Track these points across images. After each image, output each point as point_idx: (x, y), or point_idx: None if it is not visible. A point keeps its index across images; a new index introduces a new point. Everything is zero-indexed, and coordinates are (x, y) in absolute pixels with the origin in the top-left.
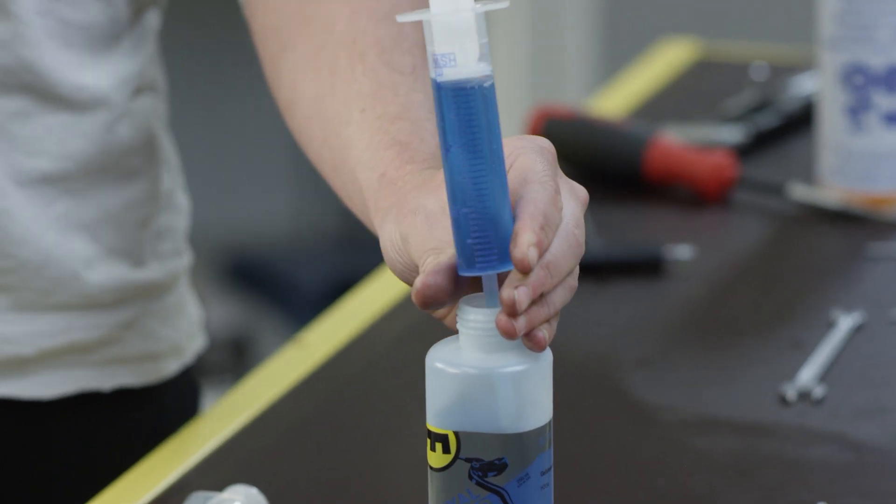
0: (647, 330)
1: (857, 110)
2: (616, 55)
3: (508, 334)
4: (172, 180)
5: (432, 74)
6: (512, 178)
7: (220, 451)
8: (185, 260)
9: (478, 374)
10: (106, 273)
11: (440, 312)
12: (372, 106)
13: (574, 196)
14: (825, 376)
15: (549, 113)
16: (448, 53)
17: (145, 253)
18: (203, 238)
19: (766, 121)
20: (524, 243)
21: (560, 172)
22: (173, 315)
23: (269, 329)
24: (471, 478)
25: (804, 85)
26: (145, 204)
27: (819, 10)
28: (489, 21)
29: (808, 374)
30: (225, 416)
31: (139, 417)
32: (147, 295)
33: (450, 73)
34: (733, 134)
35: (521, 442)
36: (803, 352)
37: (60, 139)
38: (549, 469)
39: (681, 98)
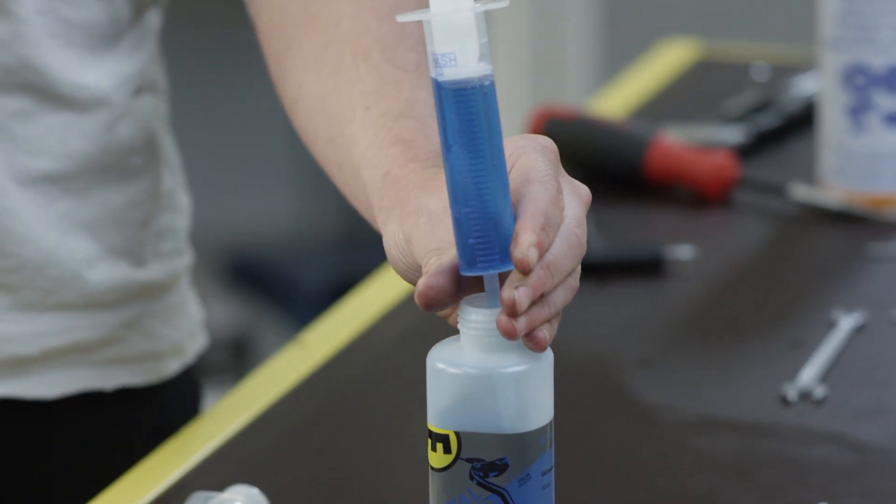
0: (648, 330)
1: (858, 111)
2: (617, 55)
3: (509, 335)
4: (173, 180)
5: (432, 74)
6: (513, 177)
7: (221, 450)
8: (186, 259)
9: (479, 375)
10: (107, 273)
11: (444, 311)
12: (376, 103)
13: (576, 195)
14: (826, 376)
15: (551, 113)
16: (448, 53)
17: (146, 252)
18: (204, 238)
19: (767, 121)
20: (524, 243)
21: (562, 171)
22: (174, 315)
23: (270, 329)
24: (472, 478)
25: (805, 85)
26: (146, 204)
27: (820, 11)
28: (490, 21)
29: (808, 375)
30: (226, 415)
31: (140, 417)
32: (148, 294)
33: (450, 73)
34: (734, 134)
35: (523, 442)
36: (804, 352)
37: (61, 139)
38: (550, 469)
39: (682, 98)
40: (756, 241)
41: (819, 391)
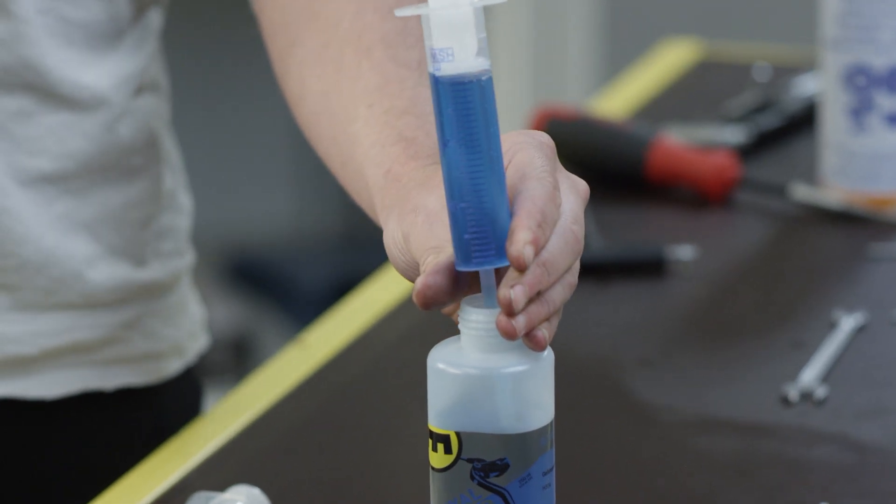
0: (649, 330)
1: (859, 111)
2: (618, 56)
3: (509, 335)
4: (174, 180)
5: (430, 69)
6: (510, 173)
7: (222, 451)
8: (187, 259)
9: (479, 375)
10: (108, 272)
11: (448, 309)
12: (379, 101)
13: (574, 190)
14: (827, 377)
15: (552, 113)
16: (446, 48)
17: (147, 252)
18: (205, 238)
19: (768, 121)
20: (520, 241)
21: (560, 167)
22: (175, 315)
23: (271, 329)
24: (472, 478)
25: (806, 85)
26: (147, 204)
27: (821, 11)
28: (492, 20)
29: (809, 375)
30: (227, 416)
31: (141, 417)
32: (149, 294)
33: (447, 68)
34: (735, 134)
35: (523, 442)
36: (805, 352)
37: (61, 139)
38: (551, 469)
39: (683, 98)
40: (757, 242)
41: (820, 391)
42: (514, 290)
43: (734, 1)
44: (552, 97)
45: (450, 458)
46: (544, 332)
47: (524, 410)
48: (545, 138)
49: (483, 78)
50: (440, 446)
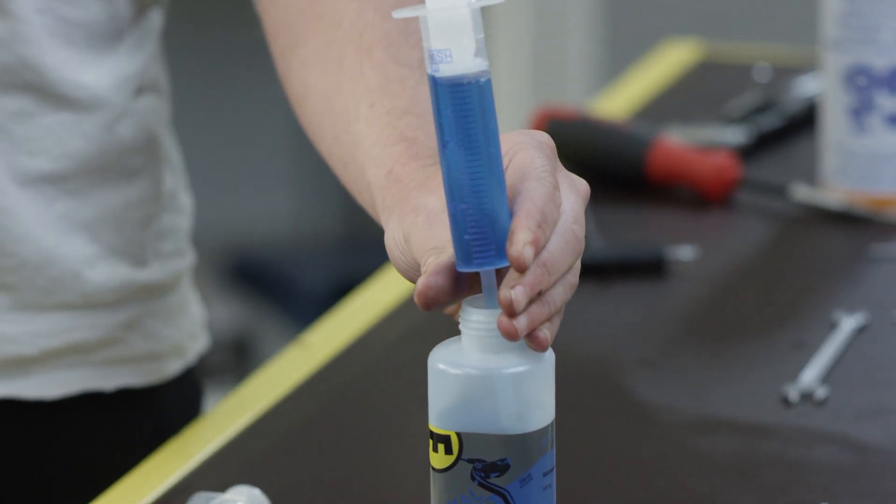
0: (650, 331)
1: (859, 111)
2: (619, 56)
3: (510, 336)
4: (175, 180)
5: (428, 70)
6: (510, 173)
7: (222, 451)
8: (187, 260)
9: (480, 375)
10: (107, 273)
11: (450, 309)
12: (380, 101)
13: (574, 190)
14: (827, 377)
15: (552, 114)
16: (444, 49)
17: (147, 253)
18: (206, 238)
19: (769, 122)
20: (520, 241)
21: (560, 166)
22: (175, 315)
23: (272, 330)
24: (473, 479)
25: (807, 86)
26: (147, 204)
27: (822, 12)
28: (493, 21)
29: (810, 375)
30: (227, 416)
31: (141, 418)
32: (149, 295)
33: (446, 69)
34: (736, 135)
35: (524, 443)
36: (805, 353)
37: (60, 139)
38: (552, 470)
39: (684, 99)
40: (757, 242)
41: (820, 392)
42: (515, 291)
43: (735, 1)
44: (553, 97)
45: (450, 459)
46: (546, 333)
47: (525, 411)
48: (545, 138)
49: (481, 79)
50: (441, 447)
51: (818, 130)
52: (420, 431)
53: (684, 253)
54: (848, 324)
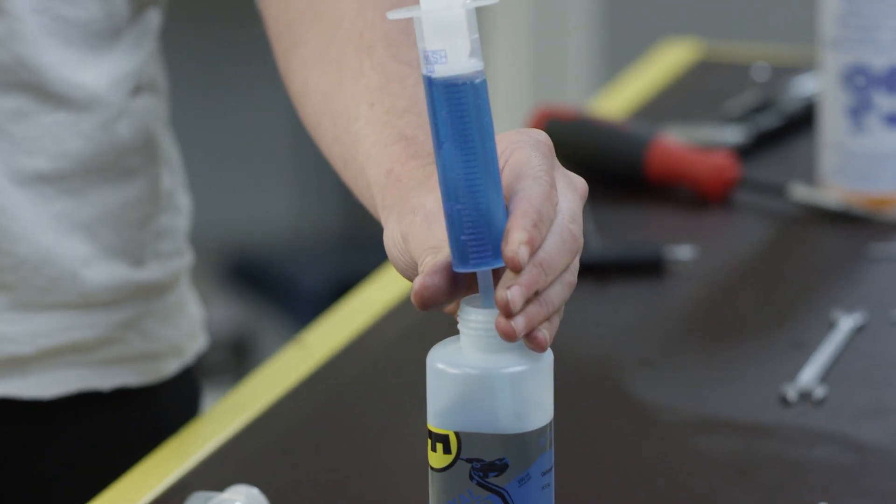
0: (648, 330)
1: (858, 111)
2: (617, 56)
3: (508, 336)
4: (173, 180)
5: (423, 71)
6: (506, 173)
7: (220, 451)
8: (185, 260)
9: (478, 375)
10: (105, 272)
11: (449, 308)
12: (380, 100)
13: (572, 188)
14: (826, 377)
15: (551, 113)
16: (439, 50)
17: (145, 252)
18: (204, 238)
19: (768, 121)
20: (515, 241)
21: (557, 165)
22: (174, 315)
23: (270, 329)
24: (472, 478)
25: (805, 85)
26: (145, 203)
27: (820, 11)
28: (490, 21)
29: (809, 375)
30: (226, 416)
31: (139, 417)
32: (147, 295)
33: (441, 70)
34: (734, 134)
35: (523, 442)
36: (804, 352)
37: (58, 138)
38: (550, 469)
39: (682, 98)
40: (756, 242)
41: (819, 391)
42: (511, 291)
43: (733, 1)
44: (551, 97)
45: (449, 458)
46: (545, 333)
47: (523, 410)
48: (542, 136)
49: (476, 79)
50: (439, 446)
51: (817, 130)
52: (419, 431)
53: (683, 252)
54: (846, 323)
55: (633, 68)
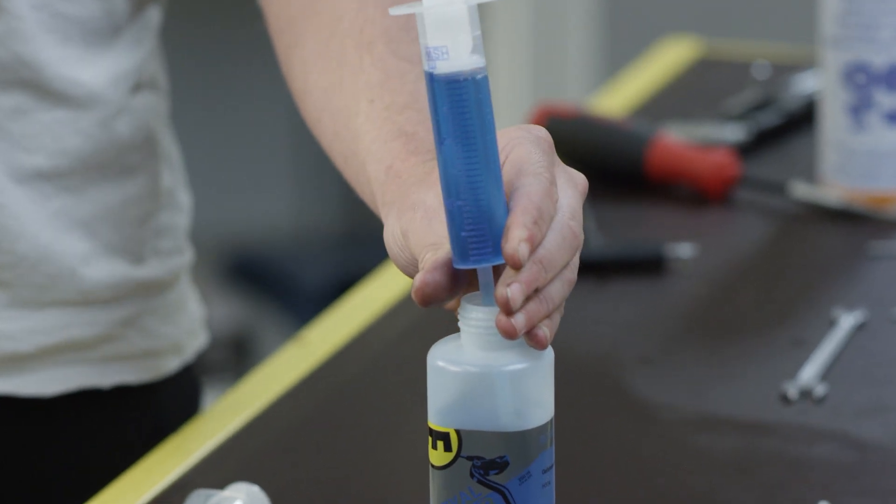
0: (649, 328)
1: (858, 109)
2: (618, 54)
3: (509, 334)
4: (174, 178)
5: (425, 67)
6: (507, 169)
7: (221, 449)
8: (186, 257)
9: (479, 373)
10: (104, 270)
11: (450, 304)
12: (380, 96)
13: (572, 185)
14: (827, 375)
15: (551, 111)
16: (441, 46)
17: (145, 250)
18: (205, 236)
19: (768, 119)
20: (515, 238)
21: (558, 161)
22: (174, 313)
23: (271, 327)
24: (472, 476)
25: (806, 83)
26: (145, 201)
27: (821, 9)
28: (492, 19)
29: (809, 373)
30: (226, 413)
31: (139, 415)
32: (147, 292)
33: (442, 66)
34: (735, 132)
35: (523, 440)
36: (805, 350)
37: (57, 136)
38: (551, 467)
39: (682, 96)
40: (757, 240)
41: (820, 389)
42: (511, 289)
43: None
44: (552, 95)
45: (449, 456)
46: (545, 331)
47: (524, 408)
48: (542, 132)
49: (478, 76)
50: (440, 444)
51: (817, 128)
52: (419, 429)
53: (683, 250)
54: (847, 321)
55: (634, 66)
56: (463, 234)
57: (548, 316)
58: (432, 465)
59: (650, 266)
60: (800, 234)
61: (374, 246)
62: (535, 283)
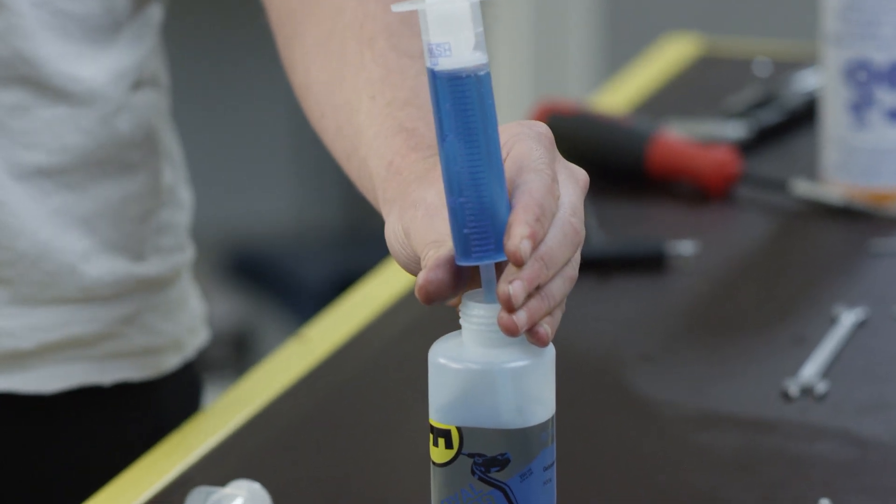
0: (650, 326)
1: (860, 106)
2: (619, 51)
3: (511, 332)
4: (174, 175)
5: (428, 64)
6: (508, 165)
7: (222, 446)
8: (187, 255)
9: (480, 370)
10: (105, 267)
11: (453, 301)
12: (381, 92)
13: (573, 181)
14: (828, 372)
15: (553, 108)
16: (443, 43)
17: (146, 247)
18: (206, 233)
19: (769, 117)
20: (517, 236)
21: (559, 157)
22: (174, 310)
23: (272, 324)
24: (473, 473)
25: (807, 81)
26: (145, 198)
27: (822, 6)
28: (493, 16)
29: (810, 370)
30: (227, 411)
31: (140, 412)
32: (147, 289)
33: (445, 63)
34: (736, 130)
35: (524, 437)
36: (806, 347)
37: (57, 133)
38: (552, 465)
39: (684, 94)
40: (758, 237)
41: (821, 387)
42: (513, 286)
43: None
44: (553, 92)
45: (451, 453)
46: (546, 329)
47: (525, 405)
48: (543, 129)
49: (480, 72)
50: (441, 441)
51: (818, 125)
52: (420, 426)
53: (684, 248)
54: (848, 318)
55: (635, 63)
56: (465, 231)
57: (549, 313)
58: (433, 463)
59: (651, 263)
60: (801, 231)
61: (375, 243)
62: (536, 280)
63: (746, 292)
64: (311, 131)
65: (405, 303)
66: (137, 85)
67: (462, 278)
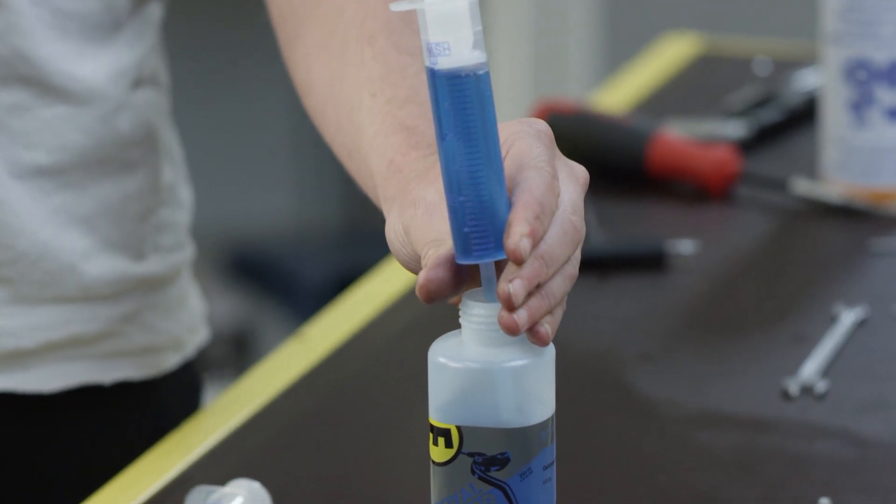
0: (650, 325)
1: (859, 105)
2: (619, 50)
3: (511, 331)
4: (174, 174)
5: (427, 63)
6: (508, 163)
7: (222, 445)
8: (187, 253)
9: (480, 369)
10: (105, 266)
11: (454, 299)
12: (382, 90)
13: (573, 178)
14: (828, 371)
15: (552, 107)
16: (442, 42)
17: (146, 246)
18: (206, 231)
19: (769, 116)
20: (517, 234)
21: (559, 154)
22: (174, 309)
23: (272, 323)
24: (473, 472)
25: (807, 80)
26: (145, 197)
27: (822, 5)
28: (493, 14)
29: (810, 369)
30: (227, 410)
31: (140, 412)
32: (147, 288)
33: (444, 62)
34: (736, 129)
35: (524, 436)
36: (806, 346)
37: (57, 132)
38: (552, 464)
39: (684, 93)
40: (758, 236)
41: (821, 386)
42: (513, 285)
43: None
44: (553, 91)
45: (451, 452)
46: (547, 328)
47: (525, 404)
48: (543, 126)
49: (479, 71)
50: (441, 440)
51: (818, 124)
52: (420, 425)
53: (684, 247)
54: (848, 317)
55: (635, 62)
56: (465, 229)
57: (549, 312)
58: (433, 462)
59: (651, 262)
60: (801, 230)
61: (375, 242)
62: (536, 278)
63: (746, 291)
64: (310, 131)
65: (405, 301)
66: (137, 84)
67: (462, 277)
